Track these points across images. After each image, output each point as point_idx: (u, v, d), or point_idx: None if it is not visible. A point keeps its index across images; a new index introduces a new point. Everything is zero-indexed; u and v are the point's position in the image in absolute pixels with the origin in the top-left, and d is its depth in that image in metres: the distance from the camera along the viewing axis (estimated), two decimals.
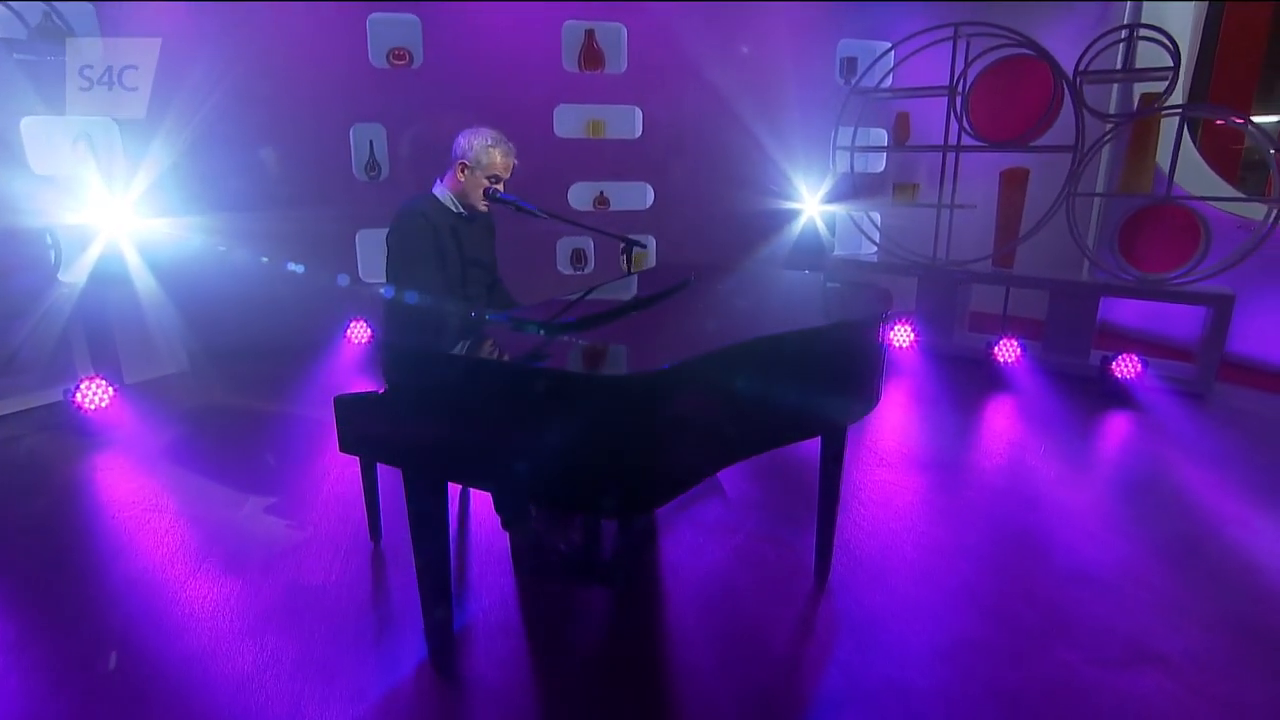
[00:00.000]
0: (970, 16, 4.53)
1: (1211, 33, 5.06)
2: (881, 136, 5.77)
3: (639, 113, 5.32)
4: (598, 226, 2.81)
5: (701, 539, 2.59)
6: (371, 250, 4.96)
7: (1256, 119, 4.24)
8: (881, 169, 5.82)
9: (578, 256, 5.57)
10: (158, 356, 4.34)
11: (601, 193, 5.47)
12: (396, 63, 4.80)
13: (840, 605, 2.26)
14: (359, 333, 4.80)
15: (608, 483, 1.43)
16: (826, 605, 2.26)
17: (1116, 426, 3.76)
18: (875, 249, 5.30)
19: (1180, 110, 4.07)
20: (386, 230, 2.45)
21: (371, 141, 4.86)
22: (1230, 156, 5.30)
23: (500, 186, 2.46)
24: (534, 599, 2.25)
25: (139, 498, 2.87)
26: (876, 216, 5.34)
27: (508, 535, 2.48)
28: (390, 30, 4.76)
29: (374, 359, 2.56)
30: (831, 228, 5.70)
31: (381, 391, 1.59)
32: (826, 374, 1.92)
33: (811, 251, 5.65)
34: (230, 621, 2.13)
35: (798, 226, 5.69)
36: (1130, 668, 1.97)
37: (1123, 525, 2.72)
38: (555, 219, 2.59)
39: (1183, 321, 4.93)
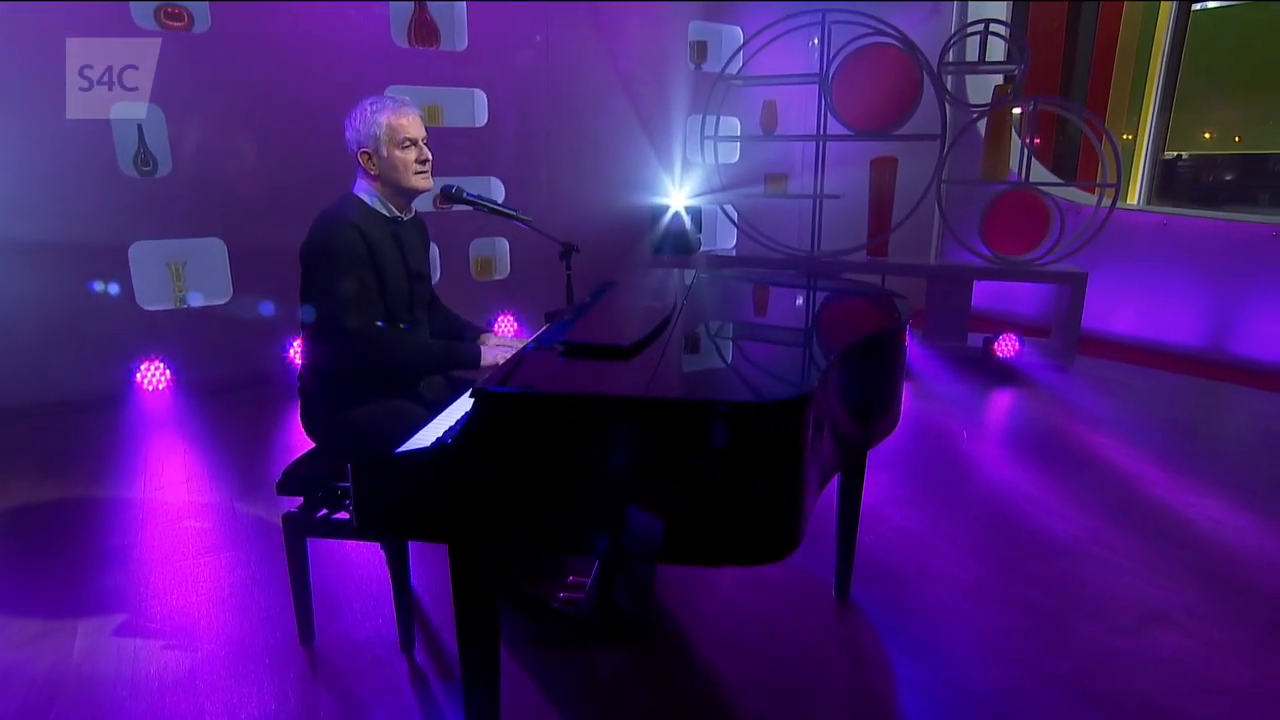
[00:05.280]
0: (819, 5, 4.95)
1: (1020, 28, 6.03)
2: (735, 125, 6.10)
3: (482, 97, 5.11)
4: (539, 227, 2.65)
5: (697, 570, 2.54)
6: (151, 268, 4.23)
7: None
8: (736, 159, 6.14)
9: None
10: None
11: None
12: (171, 24, 4.11)
13: (872, 617, 2.34)
14: (154, 377, 4.04)
15: (761, 524, 1.34)
16: (859, 620, 2.34)
17: (1019, 403, 4.33)
18: (733, 243, 5.57)
19: (1036, 102, 4.78)
20: (301, 247, 2.09)
21: (141, 126, 4.13)
22: (1045, 146, 6.36)
23: (417, 151, 2.13)
24: (548, 670, 2.05)
25: None
26: (732, 209, 5.63)
27: None
28: None
29: (304, 410, 2.18)
30: (698, 221, 5.91)
31: (442, 447, 1.34)
32: (880, 386, 1.99)
33: (678, 246, 5.82)
34: None
35: (663, 221, 5.82)
36: (1147, 631, 2.27)
37: (1072, 498, 3.13)
38: (534, 227, 2.52)
39: (1026, 300, 5.83)
